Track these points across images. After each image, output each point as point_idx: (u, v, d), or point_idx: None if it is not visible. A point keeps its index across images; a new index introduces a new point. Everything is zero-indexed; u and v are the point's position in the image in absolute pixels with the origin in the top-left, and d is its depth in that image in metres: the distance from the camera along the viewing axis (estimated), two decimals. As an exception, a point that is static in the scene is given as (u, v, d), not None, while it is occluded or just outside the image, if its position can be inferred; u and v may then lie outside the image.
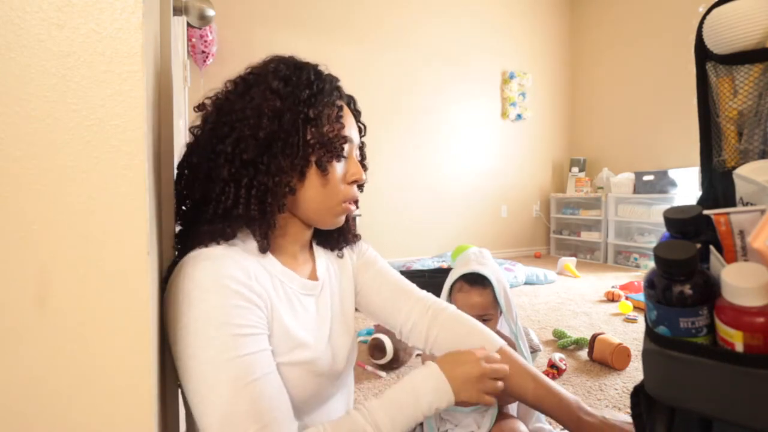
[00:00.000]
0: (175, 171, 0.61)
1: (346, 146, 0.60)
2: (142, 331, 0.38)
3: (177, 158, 0.66)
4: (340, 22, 3.48)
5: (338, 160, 0.59)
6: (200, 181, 0.57)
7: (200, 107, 0.60)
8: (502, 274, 1.08)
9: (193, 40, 2.62)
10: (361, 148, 0.68)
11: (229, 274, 0.50)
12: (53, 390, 0.36)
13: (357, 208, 0.65)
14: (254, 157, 0.55)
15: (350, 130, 0.62)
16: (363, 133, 0.69)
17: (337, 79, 0.63)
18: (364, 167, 0.67)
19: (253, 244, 0.57)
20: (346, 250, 0.73)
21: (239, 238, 0.56)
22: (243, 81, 0.59)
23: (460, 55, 4.01)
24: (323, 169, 0.58)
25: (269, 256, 0.59)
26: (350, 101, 0.66)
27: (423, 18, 3.82)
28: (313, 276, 0.66)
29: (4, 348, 0.35)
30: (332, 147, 0.58)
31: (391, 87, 3.69)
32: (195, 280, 0.49)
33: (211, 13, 0.76)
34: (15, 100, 0.34)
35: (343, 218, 0.64)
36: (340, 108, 0.61)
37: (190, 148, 0.60)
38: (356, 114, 0.66)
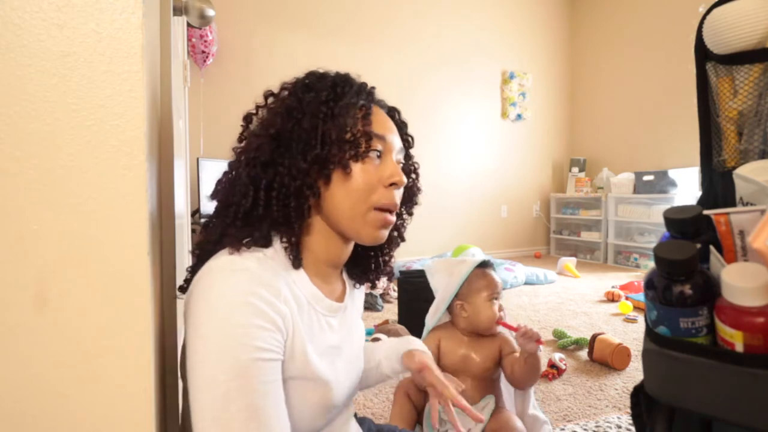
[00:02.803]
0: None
1: (377, 144, 0.57)
2: (142, 331, 0.38)
3: (177, 158, 0.66)
4: (340, 23, 3.47)
5: (363, 160, 0.56)
6: (225, 187, 0.57)
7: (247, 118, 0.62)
8: None
9: (193, 40, 2.62)
10: (408, 158, 0.67)
11: (256, 292, 0.48)
12: (53, 390, 0.36)
13: (394, 217, 0.60)
14: (272, 157, 0.54)
15: (383, 130, 0.59)
16: (410, 145, 0.67)
17: (366, 85, 0.61)
18: (414, 183, 0.67)
19: (284, 260, 0.55)
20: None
21: (271, 251, 0.54)
22: (272, 95, 0.60)
23: (460, 55, 4.01)
24: (345, 168, 0.55)
25: (301, 272, 0.56)
26: (391, 111, 0.65)
27: (423, 18, 3.82)
28: (341, 298, 0.64)
29: (4, 348, 0.35)
30: (355, 145, 0.55)
31: (392, 87, 3.69)
32: (221, 292, 0.47)
33: (211, 13, 0.76)
34: (15, 100, 0.34)
35: (384, 232, 0.59)
36: (368, 108, 0.58)
37: (230, 165, 0.59)
38: (400, 125, 0.65)
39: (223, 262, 0.50)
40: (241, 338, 0.46)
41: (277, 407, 0.48)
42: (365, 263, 0.68)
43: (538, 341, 0.98)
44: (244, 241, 0.52)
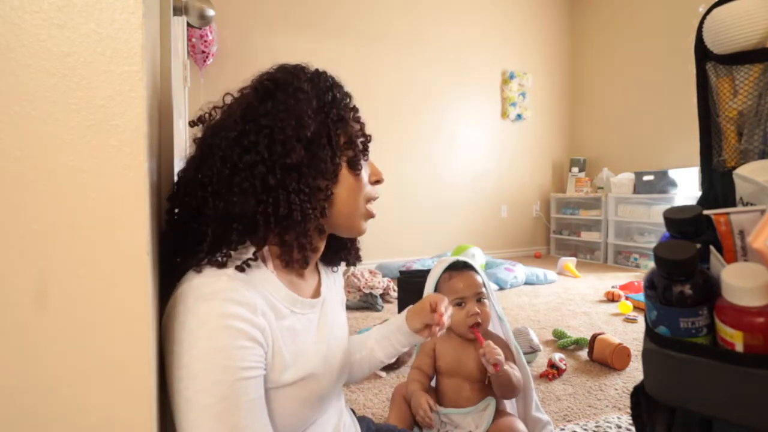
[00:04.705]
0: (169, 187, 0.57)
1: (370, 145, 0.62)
2: (142, 331, 0.38)
3: (177, 158, 0.66)
4: (340, 23, 3.48)
5: (365, 159, 0.61)
6: (224, 195, 0.52)
7: (200, 120, 0.58)
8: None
9: (193, 40, 2.62)
10: None
11: (232, 313, 0.47)
12: (52, 390, 0.36)
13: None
14: (299, 160, 0.52)
15: (367, 128, 0.63)
16: None
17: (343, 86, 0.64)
18: None
19: (257, 269, 0.53)
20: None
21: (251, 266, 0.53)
22: (263, 86, 0.56)
23: (460, 55, 4.00)
24: (356, 169, 0.58)
25: (275, 280, 0.55)
26: None
27: (423, 18, 3.82)
28: (317, 292, 0.64)
29: (3, 348, 0.35)
30: (361, 146, 0.60)
31: (392, 87, 3.69)
32: (199, 317, 0.47)
33: (211, 13, 0.76)
34: (15, 100, 0.34)
35: (367, 224, 0.63)
36: (356, 110, 0.62)
37: (197, 162, 0.54)
38: None
39: (195, 285, 0.49)
40: (224, 362, 0.46)
41: (261, 422, 0.49)
42: (334, 247, 0.69)
43: (495, 366, 0.91)
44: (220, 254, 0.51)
